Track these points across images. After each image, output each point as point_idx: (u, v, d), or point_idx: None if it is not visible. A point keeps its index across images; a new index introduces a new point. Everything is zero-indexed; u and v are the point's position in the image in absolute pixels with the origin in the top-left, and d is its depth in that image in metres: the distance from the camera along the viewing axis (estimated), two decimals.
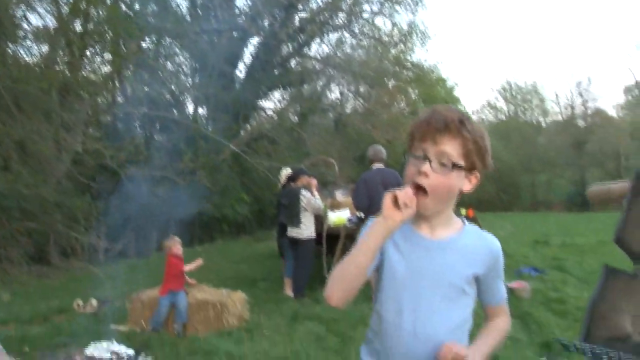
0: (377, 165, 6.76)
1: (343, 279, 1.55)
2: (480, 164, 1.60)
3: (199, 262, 6.52)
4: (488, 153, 1.63)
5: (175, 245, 6.35)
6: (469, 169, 1.59)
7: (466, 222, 1.75)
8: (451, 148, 1.54)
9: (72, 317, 6.78)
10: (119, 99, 16.41)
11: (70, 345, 5.47)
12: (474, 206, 9.98)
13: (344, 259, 1.59)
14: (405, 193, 1.50)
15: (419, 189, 1.53)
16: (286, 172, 8.24)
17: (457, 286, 1.64)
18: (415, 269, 1.61)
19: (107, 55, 14.20)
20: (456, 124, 1.53)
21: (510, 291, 7.00)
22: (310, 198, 7.40)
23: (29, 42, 12.36)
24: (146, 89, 15.32)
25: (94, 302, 7.23)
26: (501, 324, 1.78)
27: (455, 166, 1.54)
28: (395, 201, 1.50)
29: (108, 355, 5.09)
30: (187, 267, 6.30)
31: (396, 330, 1.62)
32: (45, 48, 12.76)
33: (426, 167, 1.52)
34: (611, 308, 1.41)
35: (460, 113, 1.58)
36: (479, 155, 1.59)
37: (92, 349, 5.14)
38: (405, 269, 1.63)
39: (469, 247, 1.67)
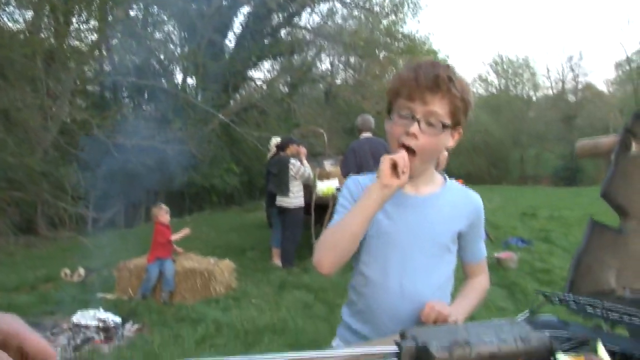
0: (366, 135, 6.71)
1: (335, 247, 1.52)
2: (464, 119, 1.56)
3: (185, 231, 6.51)
4: (472, 107, 1.58)
5: (161, 213, 6.33)
6: (455, 125, 1.55)
7: (447, 178, 1.73)
8: (440, 108, 1.49)
9: (59, 285, 6.77)
10: (106, 68, 16.20)
11: (57, 313, 5.47)
12: (464, 179, 9.99)
13: (333, 224, 1.57)
14: (403, 159, 1.45)
15: (407, 150, 1.49)
16: (275, 141, 8.18)
17: (442, 243, 1.62)
18: (400, 228, 1.58)
19: (94, 23, 13.92)
20: (446, 82, 1.47)
21: (498, 261, 7.07)
22: (299, 167, 7.36)
23: (11, 8, 12.08)
24: (134, 58, 15.10)
25: (81, 270, 7.21)
26: (482, 282, 1.77)
27: (444, 127, 1.50)
28: (394, 167, 1.45)
29: (95, 322, 5.07)
30: (174, 237, 6.30)
31: (382, 290, 1.60)
32: (29, 14, 12.49)
33: (415, 128, 1.47)
34: (596, 262, 1.40)
35: (446, 68, 1.51)
36: (465, 111, 1.55)
37: (78, 317, 5.12)
38: (390, 228, 1.59)
39: (453, 202, 1.65)
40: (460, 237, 1.66)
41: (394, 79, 1.57)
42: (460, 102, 1.51)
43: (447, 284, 1.67)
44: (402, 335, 0.88)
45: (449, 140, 1.57)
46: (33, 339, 0.63)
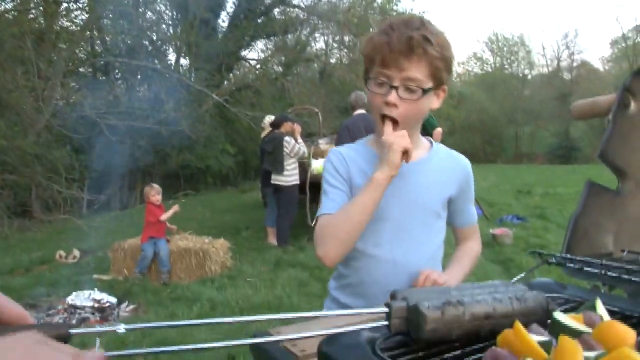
0: (359, 111, 6.65)
1: (344, 240, 1.46)
2: (447, 76, 1.48)
3: (174, 208, 6.49)
4: (453, 61, 1.50)
5: (152, 193, 6.29)
6: (438, 86, 1.47)
7: (433, 141, 1.68)
8: (418, 72, 1.40)
9: (54, 267, 6.75)
10: (98, 49, 16.03)
11: (52, 295, 5.45)
12: None
13: (335, 215, 1.50)
14: (408, 141, 1.40)
15: (389, 120, 1.44)
16: (269, 119, 8.11)
17: (433, 210, 1.58)
18: (390, 196, 1.50)
19: (84, 2, 13.71)
20: (421, 44, 1.37)
21: (493, 238, 7.07)
22: (293, 144, 7.30)
23: None
24: (126, 38, 14.93)
25: (76, 252, 7.19)
26: (474, 248, 1.73)
27: (425, 91, 1.42)
28: (405, 153, 1.40)
29: (90, 303, 5.07)
30: (164, 215, 6.26)
31: (374, 262, 1.55)
32: None
33: (393, 97, 1.41)
34: (593, 225, 1.37)
35: (421, 26, 1.40)
36: (447, 69, 1.46)
37: (74, 298, 5.12)
38: (387, 198, 1.50)
39: (442, 167, 1.61)
40: (450, 202, 1.62)
41: (366, 44, 1.48)
42: (440, 61, 1.42)
43: (438, 252, 1.63)
44: (392, 296, 0.85)
45: (434, 101, 1.50)
46: (7, 304, 0.60)
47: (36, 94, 11.33)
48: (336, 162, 1.61)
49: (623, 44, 39.12)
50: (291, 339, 0.89)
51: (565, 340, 0.62)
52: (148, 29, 16.29)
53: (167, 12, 18.08)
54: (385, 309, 0.82)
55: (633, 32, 37.67)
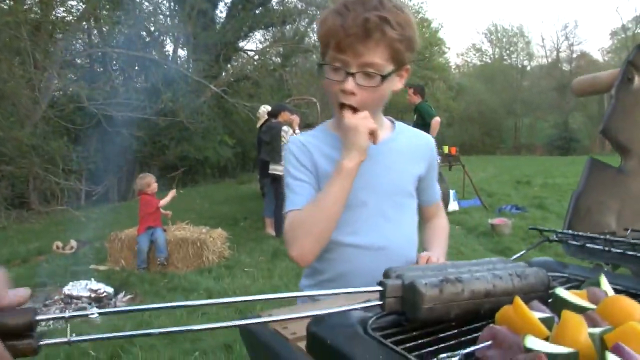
0: None
1: (319, 237, 1.38)
2: (410, 55, 1.36)
3: (172, 193, 6.44)
4: (417, 39, 1.37)
5: (149, 182, 6.25)
6: (399, 67, 1.37)
7: (394, 120, 1.60)
8: (377, 56, 1.30)
9: (51, 258, 6.72)
10: (95, 40, 15.94)
11: (48, 285, 5.43)
12: (457, 148, 9.95)
13: (304, 210, 1.40)
14: (372, 122, 1.32)
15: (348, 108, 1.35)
16: (265, 109, 8.05)
17: (407, 190, 1.52)
18: (361, 181, 1.41)
19: None
20: (379, 26, 1.26)
21: (492, 227, 7.05)
22: (291, 134, 7.25)
23: None
24: (123, 29, 14.84)
25: (73, 243, 7.16)
26: (444, 223, 1.70)
27: (384, 77, 1.32)
28: (371, 134, 1.33)
29: (87, 293, 5.04)
30: (162, 201, 6.23)
31: (353, 251, 1.46)
32: None
33: (350, 85, 1.31)
34: (595, 204, 1.33)
35: (378, 4, 1.28)
36: (409, 48, 1.34)
37: (70, 288, 5.09)
38: (358, 181, 1.41)
39: (408, 145, 1.54)
40: (419, 181, 1.56)
41: (320, 26, 1.35)
42: (401, 43, 1.30)
43: (415, 233, 1.56)
44: (386, 275, 0.81)
45: (396, 83, 1.41)
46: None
47: (32, 85, 11.25)
48: (297, 152, 1.50)
49: (623, 35, 39.10)
50: (279, 320, 0.85)
51: (568, 315, 0.58)
52: (145, 19, 16.18)
53: (165, 2, 17.98)
54: (379, 288, 0.78)
55: (633, 22, 37.63)
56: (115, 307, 4.94)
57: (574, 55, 41.78)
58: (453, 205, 8.83)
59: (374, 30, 1.26)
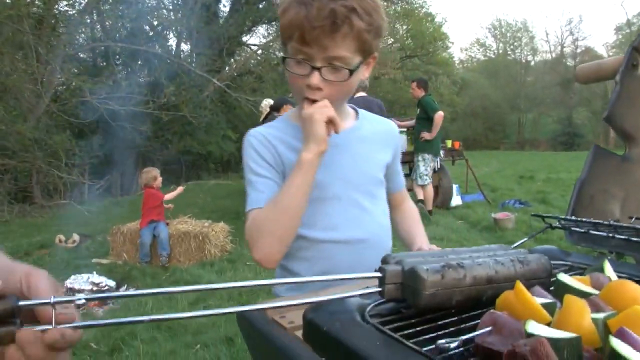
0: (361, 94, 6.58)
1: (283, 237, 1.29)
2: (378, 42, 1.29)
3: (179, 189, 6.46)
4: (385, 25, 1.28)
5: (154, 175, 6.25)
6: (367, 57, 1.29)
7: (357, 109, 1.54)
8: (344, 49, 1.22)
9: (54, 251, 6.73)
10: (98, 34, 15.94)
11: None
12: (461, 143, 9.91)
13: (267, 208, 1.31)
14: (330, 109, 1.23)
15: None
16: (267, 102, 8.02)
17: (377, 178, 1.47)
18: (331, 172, 1.36)
19: None
20: (347, 17, 1.17)
21: (495, 221, 7.02)
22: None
23: None
24: (126, 23, 14.83)
25: (76, 237, 7.16)
26: (414, 206, 1.66)
27: (352, 71, 1.24)
28: (330, 123, 1.24)
29: (89, 286, 5.05)
30: (168, 195, 6.24)
31: (331, 247, 1.38)
32: None
33: (316, 80, 1.23)
34: (599, 191, 1.31)
35: None
36: (377, 36, 1.27)
37: (72, 281, 5.09)
38: (321, 177, 1.33)
39: (374, 132, 1.49)
40: (387, 168, 1.51)
41: (282, 15, 1.25)
42: (369, 32, 1.22)
43: (389, 221, 1.51)
44: (384, 261, 0.79)
45: (363, 73, 1.33)
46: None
47: (35, 79, 11.25)
48: (258, 145, 1.40)
49: (627, 30, 38.91)
50: (276, 307, 0.83)
51: (571, 299, 0.56)
52: (148, 13, 16.17)
53: None
54: (378, 274, 0.76)
55: (638, 18, 37.44)
56: (117, 300, 4.94)
57: (579, 51, 41.68)
58: (456, 200, 8.79)
59: (341, 22, 1.17)
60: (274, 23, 20.65)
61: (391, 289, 0.76)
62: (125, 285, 5.24)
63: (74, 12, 13.49)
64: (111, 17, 14.68)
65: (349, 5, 1.17)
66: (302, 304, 0.77)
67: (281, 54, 1.32)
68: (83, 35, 15.51)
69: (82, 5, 13.76)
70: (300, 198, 1.28)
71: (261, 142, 1.40)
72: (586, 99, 36.27)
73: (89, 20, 15.16)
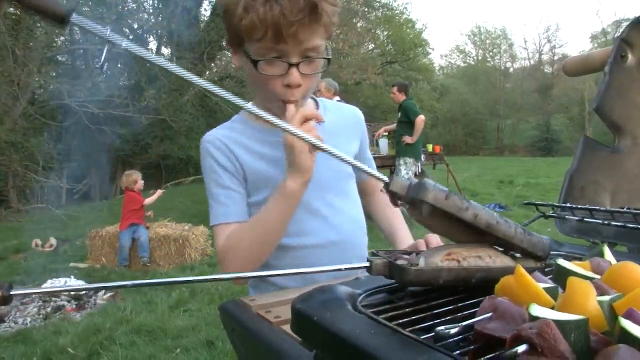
0: (336, 98, 6.59)
1: (252, 260, 1.25)
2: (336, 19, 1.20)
3: (158, 192, 6.40)
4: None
5: (135, 179, 6.19)
6: (328, 40, 1.23)
7: (317, 99, 1.45)
8: (319, 38, 1.16)
9: (30, 256, 6.62)
10: (77, 37, 15.77)
11: (26, 283, 5.34)
12: (441, 149, 9.97)
13: (245, 232, 1.26)
14: (315, 133, 1.11)
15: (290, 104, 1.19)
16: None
17: (345, 172, 1.41)
18: None
19: None
20: (320, 4, 1.10)
21: None
22: None
23: None
24: (105, 26, 14.68)
25: (53, 241, 7.05)
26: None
27: (329, 60, 1.20)
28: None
29: None
30: (148, 200, 6.18)
31: (308, 252, 1.33)
32: None
33: (296, 77, 1.15)
34: (590, 183, 1.30)
35: None
36: (335, 20, 1.19)
37: (49, 286, 4.99)
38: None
39: (337, 124, 1.40)
40: (356, 157, 1.41)
41: (240, 14, 1.11)
42: (334, 15, 1.16)
43: (362, 214, 1.45)
44: (373, 255, 0.77)
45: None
46: None
47: (12, 80, 11.08)
48: (216, 153, 1.32)
49: (603, 39, 39.54)
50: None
51: (575, 281, 0.54)
52: (128, 16, 16.05)
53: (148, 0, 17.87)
54: (367, 264, 0.75)
55: (612, 26, 38.09)
56: (94, 304, 4.86)
57: (556, 58, 42.27)
58: None
59: (320, 11, 1.10)
60: None
61: (379, 265, 0.76)
62: (104, 290, 5.15)
63: None
64: (90, 20, 14.53)
65: None
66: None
67: (247, 57, 1.18)
68: (61, 36, 15.32)
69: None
70: (280, 227, 1.22)
71: (219, 148, 1.32)
72: (564, 106, 36.73)
73: None
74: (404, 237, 1.48)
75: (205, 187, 1.35)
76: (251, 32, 1.12)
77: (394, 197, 0.79)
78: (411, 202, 0.73)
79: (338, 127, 1.39)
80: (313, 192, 1.28)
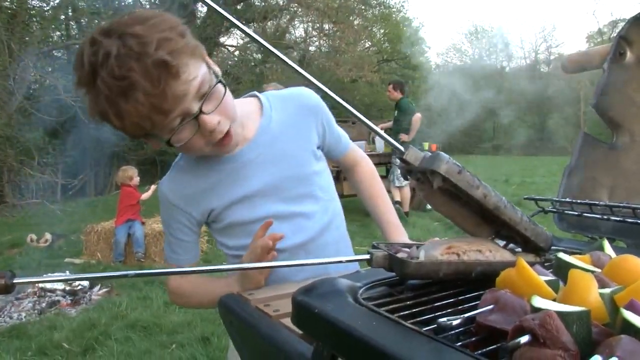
0: None
1: (203, 304, 1.37)
2: (189, 39, 1.11)
3: (154, 187, 6.38)
4: (174, 24, 1.12)
5: (131, 174, 6.19)
6: (201, 55, 1.14)
7: (258, 95, 1.38)
8: (193, 72, 1.06)
9: (25, 251, 6.60)
10: (74, 32, 15.72)
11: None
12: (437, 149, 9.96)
13: (196, 288, 1.33)
14: (269, 241, 1.14)
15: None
16: None
17: (309, 171, 1.33)
18: (259, 191, 1.27)
19: None
20: (170, 57, 1.01)
21: None
22: None
23: None
24: (102, 21, 14.62)
25: (48, 236, 7.03)
26: (369, 169, 1.54)
27: (220, 80, 1.13)
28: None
29: (61, 286, 4.94)
30: (145, 195, 6.19)
31: (280, 259, 1.25)
32: None
33: (212, 121, 1.09)
34: (588, 180, 1.31)
35: (135, 51, 0.99)
36: (184, 36, 1.09)
37: (50, 275, 4.98)
38: (255, 187, 1.27)
39: (287, 119, 1.33)
40: (322, 142, 1.38)
41: (118, 123, 1.05)
42: (189, 48, 1.08)
43: (331, 193, 1.40)
44: (374, 247, 0.78)
45: (214, 68, 1.17)
46: None
47: (7, 75, 11.02)
48: (168, 208, 1.32)
49: (599, 39, 39.63)
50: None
51: (576, 273, 0.54)
52: (125, 11, 15.98)
53: None
54: (367, 256, 0.75)
55: (608, 27, 38.17)
56: (90, 300, 4.85)
57: (552, 57, 42.36)
58: None
59: (171, 63, 1.00)
60: (251, 24, 20.60)
61: (379, 258, 0.76)
62: (99, 285, 5.14)
63: (47, 8, 13.27)
64: (86, 14, 14.45)
65: (162, 57, 1.00)
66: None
67: (159, 141, 1.14)
68: (57, 31, 15.27)
69: (57, 1, 13.54)
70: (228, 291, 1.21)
71: (171, 205, 1.31)
72: (559, 106, 36.80)
73: (63, 17, 14.92)
74: (384, 212, 1.50)
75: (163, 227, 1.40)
76: (139, 129, 1.07)
77: (406, 169, 0.79)
78: (423, 173, 0.74)
79: (288, 122, 1.33)
80: (274, 203, 1.27)
